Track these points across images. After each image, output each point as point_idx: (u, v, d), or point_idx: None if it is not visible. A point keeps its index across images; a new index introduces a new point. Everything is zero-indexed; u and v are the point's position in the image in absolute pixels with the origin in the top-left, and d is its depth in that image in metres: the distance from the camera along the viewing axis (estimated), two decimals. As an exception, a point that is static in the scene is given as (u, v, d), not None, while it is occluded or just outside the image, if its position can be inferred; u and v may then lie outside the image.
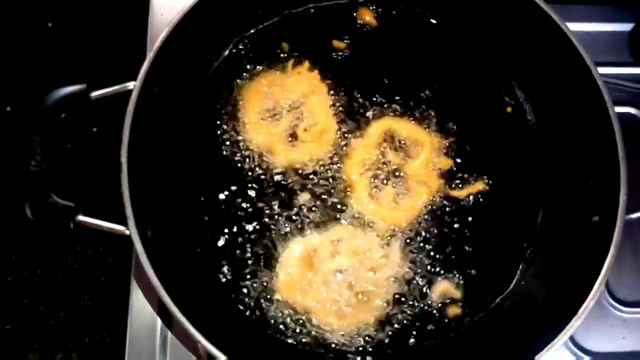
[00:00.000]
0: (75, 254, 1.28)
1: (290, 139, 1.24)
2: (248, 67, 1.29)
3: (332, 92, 1.27)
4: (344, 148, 1.24)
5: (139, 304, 1.18)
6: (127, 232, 1.02)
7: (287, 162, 1.22)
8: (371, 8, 1.34)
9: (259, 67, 1.29)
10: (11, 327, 1.23)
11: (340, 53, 1.30)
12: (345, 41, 1.31)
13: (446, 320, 1.15)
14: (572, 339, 1.21)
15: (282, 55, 1.30)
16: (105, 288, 1.25)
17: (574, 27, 1.18)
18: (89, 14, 1.43)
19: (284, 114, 1.25)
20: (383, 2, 1.34)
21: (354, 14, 1.33)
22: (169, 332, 1.17)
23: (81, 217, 1.05)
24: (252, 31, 1.31)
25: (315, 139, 1.24)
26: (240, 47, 1.30)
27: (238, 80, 1.28)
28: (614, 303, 1.24)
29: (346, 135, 1.25)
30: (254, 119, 1.24)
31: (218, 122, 1.25)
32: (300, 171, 1.22)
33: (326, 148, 1.24)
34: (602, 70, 1.17)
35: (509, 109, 1.29)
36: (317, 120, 1.25)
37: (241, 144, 1.24)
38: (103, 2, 1.43)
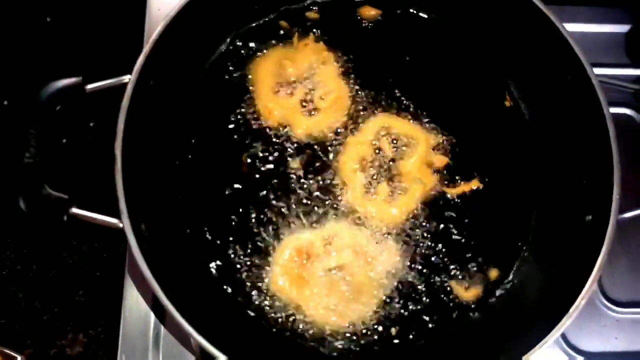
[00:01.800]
0: (70, 249, 1.27)
1: (304, 109, 1.26)
2: (254, 46, 1.30)
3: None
4: (360, 116, 1.25)
5: (132, 299, 1.18)
6: (120, 225, 1.02)
7: (306, 132, 1.24)
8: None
9: (267, 45, 1.30)
10: (6, 322, 1.23)
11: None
12: (318, 12, 1.33)
13: (440, 318, 1.16)
14: (565, 338, 1.21)
15: (284, 32, 1.31)
16: (100, 284, 1.25)
17: (571, 28, 1.18)
18: (88, 9, 1.43)
19: (298, 86, 1.27)
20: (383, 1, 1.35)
21: (354, 11, 1.34)
22: (162, 327, 1.17)
23: (75, 210, 1.05)
24: (249, 26, 1.31)
25: (332, 105, 1.25)
26: (237, 42, 1.30)
27: (246, 61, 1.29)
28: (607, 303, 1.25)
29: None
30: (268, 94, 1.26)
31: (225, 108, 1.26)
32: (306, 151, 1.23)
33: (342, 115, 1.25)
34: (599, 71, 1.17)
35: (507, 103, 1.30)
36: (330, 87, 1.27)
37: (254, 124, 1.25)
38: (100, -3, 1.45)
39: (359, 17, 1.34)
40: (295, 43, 1.30)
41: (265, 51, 1.30)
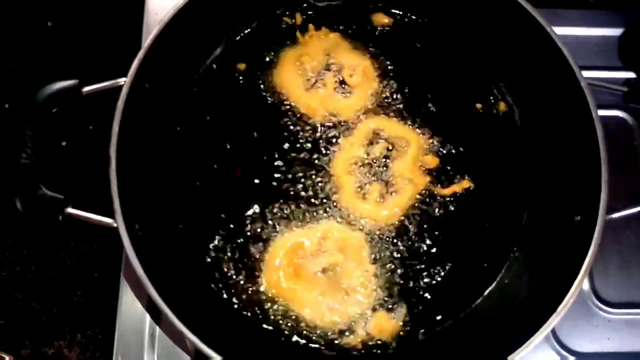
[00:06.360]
0: (68, 250, 1.28)
1: (342, 92, 1.28)
2: (264, 54, 1.31)
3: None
4: (352, 119, 1.26)
5: (128, 300, 1.19)
6: (115, 225, 1.03)
7: (355, 112, 1.26)
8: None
9: (264, 47, 1.32)
10: (4, 323, 1.24)
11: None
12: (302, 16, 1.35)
13: (429, 317, 1.17)
14: (557, 339, 1.22)
15: (282, 32, 1.33)
16: (98, 285, 1.26)
17: (564, 31, 1.19)
18: (87, 14, 1.45)
19: (325, 75, 1.29)
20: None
21: (348, 13, 1.35)
22: (158, 328, 1.18)
23: (70, 210, 1.06)
24: (244, 31, 1.33)
25: (363, 76, 1.28)
26: (232, 45, 1.31)
27: (242, 63, 1.30)
28: (599, 304, 1.25)
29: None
30: (303, 94, 1.27)
31: (221, 109, 1.28)
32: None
33: (375, 81, 1.28)
34: (592, 74, 1.18)
35: (499, 105, 1.30)
36: (353, 62, 1.29)
37: (297, 121, 1.27)
38: (101, 3, 1.45)
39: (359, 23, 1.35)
40: (299, 39, 1.31)
41: (267, 54, 1.31)
